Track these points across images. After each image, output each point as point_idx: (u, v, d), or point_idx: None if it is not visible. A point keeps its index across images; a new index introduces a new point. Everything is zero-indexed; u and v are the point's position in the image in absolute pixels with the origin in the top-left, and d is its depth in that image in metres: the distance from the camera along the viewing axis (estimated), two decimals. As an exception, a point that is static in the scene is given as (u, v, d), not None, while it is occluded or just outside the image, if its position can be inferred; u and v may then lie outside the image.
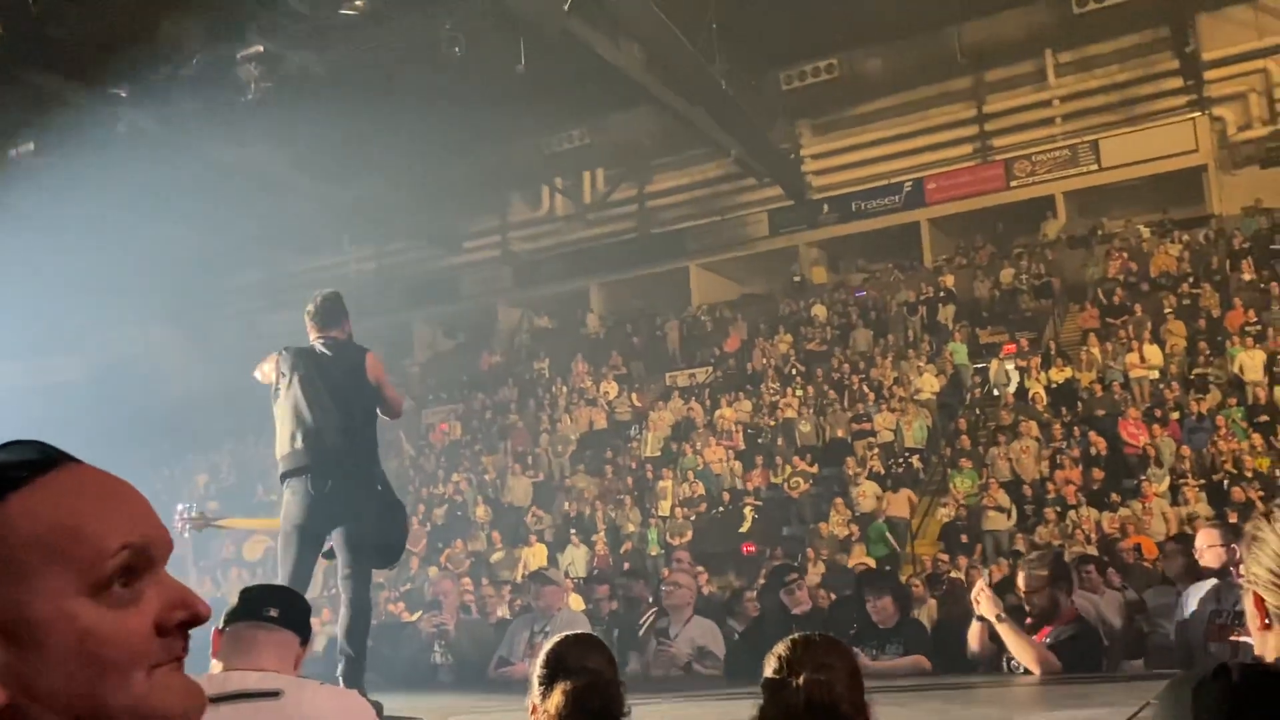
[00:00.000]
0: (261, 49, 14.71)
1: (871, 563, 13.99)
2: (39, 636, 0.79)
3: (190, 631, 0.88)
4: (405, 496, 19.83)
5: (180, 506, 5.41)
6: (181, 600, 0.86)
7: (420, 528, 17.86)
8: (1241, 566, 1.57)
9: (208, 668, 2.51)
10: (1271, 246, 18.58)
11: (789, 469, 16.92)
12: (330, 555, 5.13)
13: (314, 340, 5.24)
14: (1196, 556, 5.32)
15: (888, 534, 15.02)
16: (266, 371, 5.22)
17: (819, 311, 22.03)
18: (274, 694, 2.31)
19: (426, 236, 27.89)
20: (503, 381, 24.00)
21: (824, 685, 1.98)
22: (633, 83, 18.57)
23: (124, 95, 16.53)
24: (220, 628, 2.54)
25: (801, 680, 2.00)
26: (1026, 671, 4.71)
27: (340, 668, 4.83)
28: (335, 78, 18.11)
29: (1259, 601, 1.49)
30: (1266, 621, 1.49)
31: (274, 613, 2.50)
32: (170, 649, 0.85)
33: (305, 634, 2.58)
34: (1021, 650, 4.74)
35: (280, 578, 4.83)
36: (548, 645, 2.37)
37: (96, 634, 0.80)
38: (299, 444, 5.00)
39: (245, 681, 2.35)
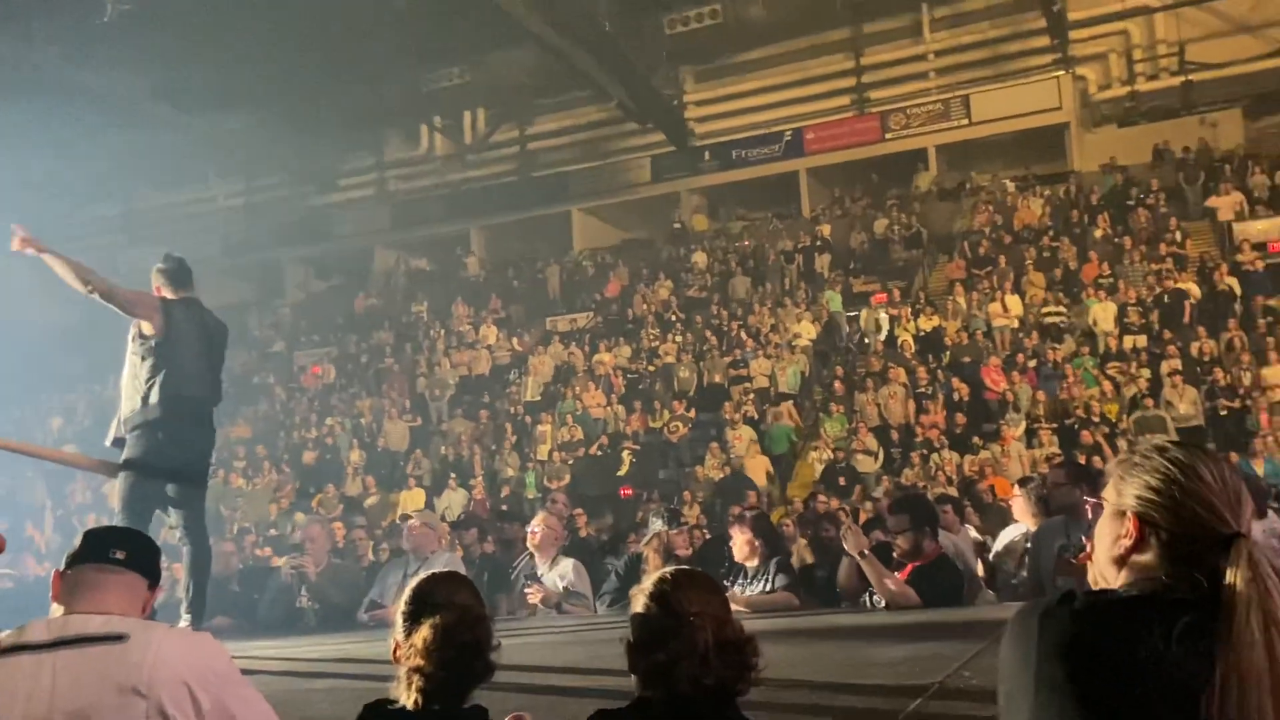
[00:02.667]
0: (118, -34, 13.84)
1: (769, 469, 15.11)
2: None
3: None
4: (275, 440, 19.41)
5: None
6: None
7: (284, 473, 17.47)
8: (1110, 493, 1.63)
9: (48, 612, 2.38)
10: (1125, 202, 19.50)
11: (667, 414, 17.10)
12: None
13: (172, 296, 5.40)
14: (1046, 495, 5.60)
15: (791, 435, 15.86)
16: (153, 325, 5.27)
17: (699, 258, 22.19)
18: (119, 638, 2.21)
19: (298, 173, 26.93)
20: (379, 324, 23.50)
21: (695, 616, 1.99)
22: (515, 21, 18.17)
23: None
24: (61, 570, 2.40)
25: (669, 612, 2.01)
26: (888, 606, 4.90)
27: (184, 605, 5.05)
28: (201, 1, 17.20)
29: (1138, 524, 1.56)
30: (1138, 541, 1.55)
31: (120, 554, 2.38)
32: None
33: (154, 577, 2.46)
34: (882, 585, 4.92)
35: (123, 521, 4.80)
36: (412, 583, 2.34)
37: None
38: (167, 395, 5.18)
39: (87, 625, 2.24)
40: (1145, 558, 1.56)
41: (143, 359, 5.24)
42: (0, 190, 22.45)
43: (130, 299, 5.24)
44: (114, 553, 2.38)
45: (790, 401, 16.73)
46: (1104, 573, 1.62)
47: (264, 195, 28.03)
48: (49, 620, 2.32)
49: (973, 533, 7.20)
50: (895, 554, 5.16)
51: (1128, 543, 1.58)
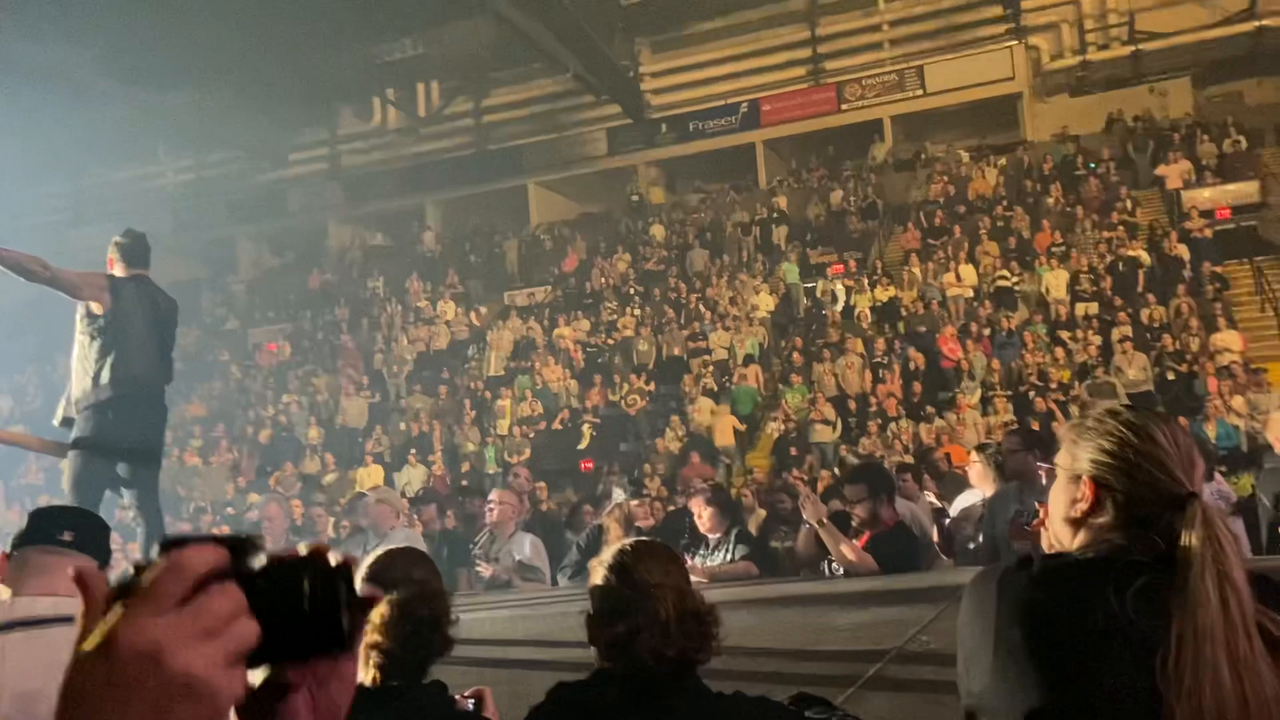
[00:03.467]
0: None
1: (737, 425, 15.48)
2: None
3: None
4: (233, 419, 19.16)
5: None
6: None
7: (241, 452, 17.29)
8: (1063, 457, 1.64)
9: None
10: (1076, 172, 19.72)
11: (627, 387, 17.10)
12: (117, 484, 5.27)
13: (123, 274, 5.34)
14: (1001, 462, 5.67)
15: (755, 397, 16.09)
16: (101, 304, 5.22)
17: (657, 231, 22.14)
18: (68, 619, 2.17)
19: (250, 148, 26.44)
20: (334, 301, 23.23)
21: (655, 587, 1.99)
22: (468, -10, 17.92)
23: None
24: (7, 552, 2.35)
25: (629, 583, 2.00)
26: (848, 574, 4.94)
27: None
28: (143, -29, 16.78)
29: (1094, 486, 1.57)
30: (1094, 504, 1.57)
31: (68, 536, 2.33)
32: None
33: (105, 557, 2.42)
34: (840, 553, 4.96)
35: (73, 502, 4.75)
36: (368, 559, 2.31)
37: None
38: (117, 374, 5.15)
39: (34, 607, 2.20)
40: (1101, 520, 1.57)
41: (91, 338, 5.17)
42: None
43: (76, 281, 5.17)
44: (62, 534, 2.34)
45: (756, 364, 16.85)
46: (1060, 536, 1.63)
47: (215, 171, 27.53)
48: (-4, 603, 2.27)
49: (932, 499, 7.28)
50: (854, 523, 5.20)
51: (1084, 506, 1.59)
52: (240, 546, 0.69)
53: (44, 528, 2.35)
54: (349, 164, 27.45)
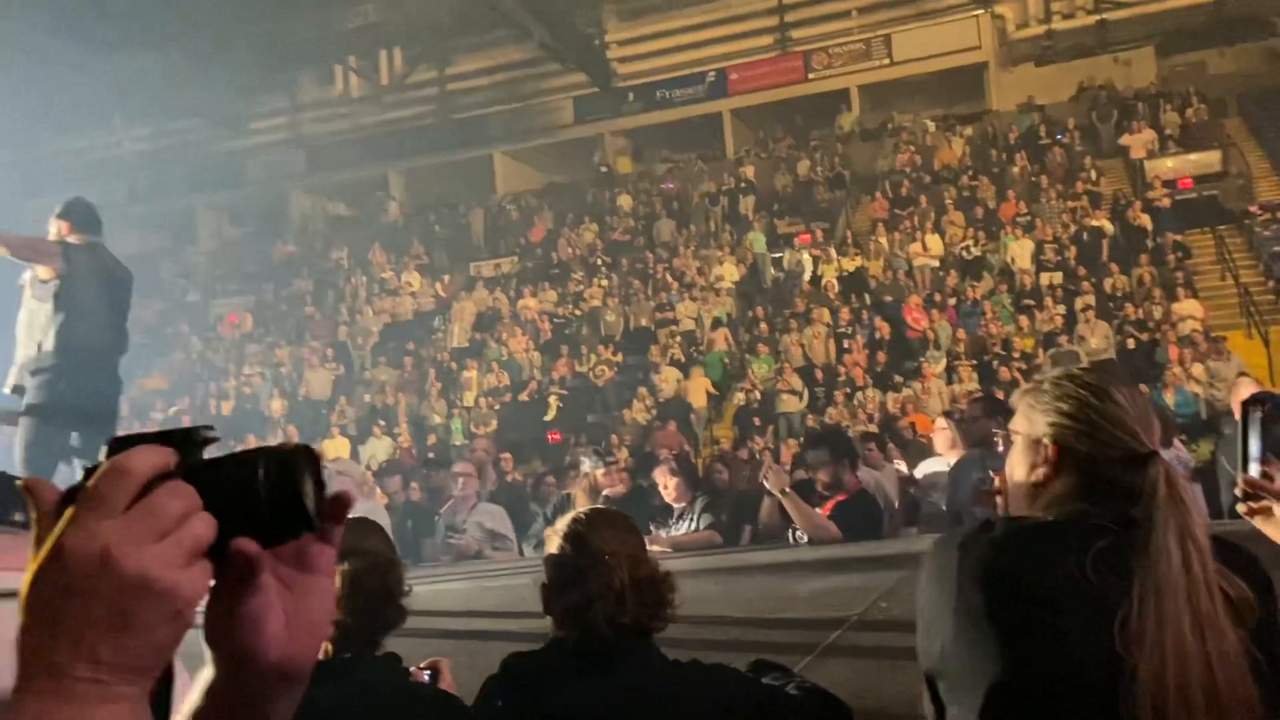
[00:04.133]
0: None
1: (710, 389, 15.73)
2: None
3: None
4: (193, 390, 18.91)
5: None
6: None
7: (199, 418, 17.07)
8: (1020, 423, 1.62)
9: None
10: (1040, 141, 19.80)
11: (594, 358, 17.05)
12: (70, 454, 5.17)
13: (76, 240, 5.23)
14: (964, 429, 5.69)
15: (725, 360, 16.33)
16: (52, 269, 5.12)
17: (624, 201, 22.02)
18: (15, 594, 2.10)
19: (208, 116, 25.96)
20: (297, 272, 22.95)
21: (610, 555, 1.96)
22: (429, -45, 17.63)
23: None
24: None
25: (584, 551, 1.97)
26: (810, 541, 4.95)
27: None
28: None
29: (1055, 449, 1.55)
30: (1055, 466, 1.55)
31: (20, 517, 2.26)
32: None
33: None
34: (803, 520, 4.97)
35: (24, 472, 4.64)
36: (320, 530, 2.26)
37: None
38: (65, 341, 5.05)
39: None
40: (1061, 482, 1.56)
41: (40, 302, 5.07)
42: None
43: (24, 243, 5.08)
44: (13, 514, 2.26)
45: (725, 328, 16.94)
46: (1020, 501, 1.61)
47: (173, 139, 27.00)
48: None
49: (900, 467, 7.31)
50: (818, 488, 5.21)
51: (1045, 469, 1.58)
52: (189, 441, 0.68)
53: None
54: (310, 132, 27.05)
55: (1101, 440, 1.53)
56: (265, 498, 0.67)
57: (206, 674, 0.72)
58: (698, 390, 15.62)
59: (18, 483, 0.68)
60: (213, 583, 0.67)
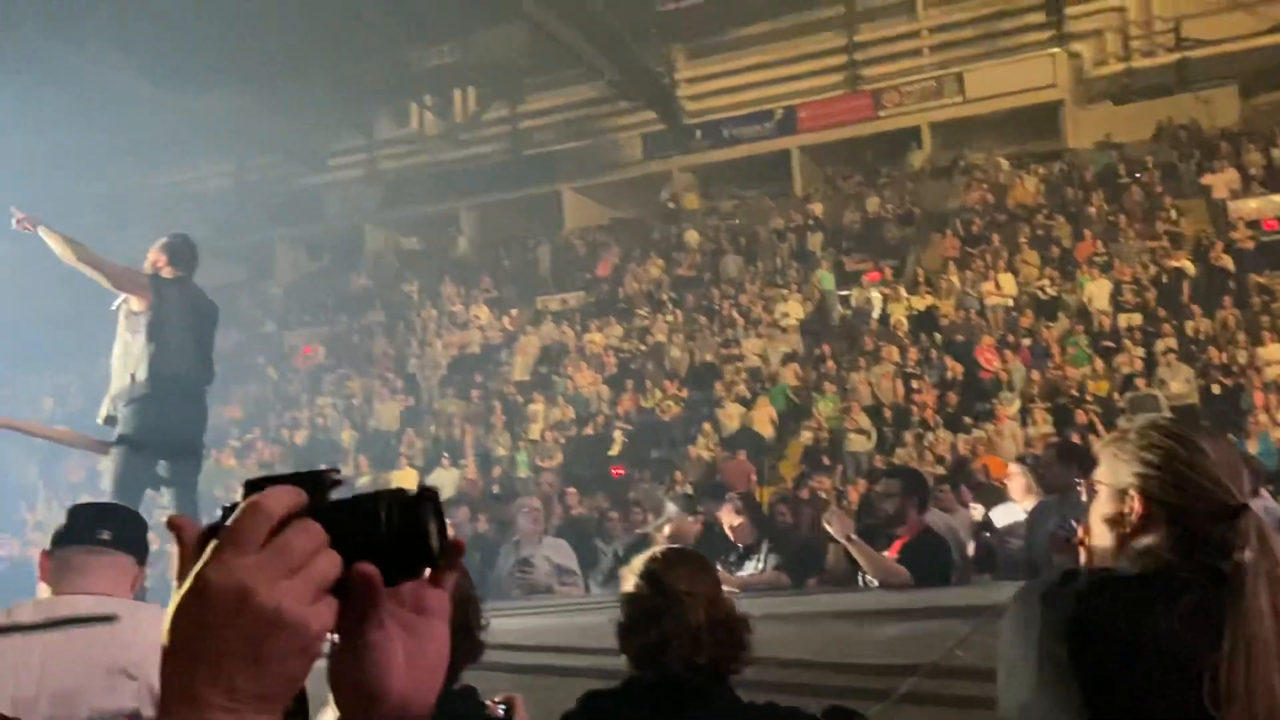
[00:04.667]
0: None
1: (774, 418, 15.79)
2: None
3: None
4: (267, 420, 19.32)
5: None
6: None
7: (273, 447, 17.44)
8: (1105, 472, 1.60)
9: (35, 593, 2.35)
10: (1119, 180, 19.46)
11: (659, 393, 17.07)
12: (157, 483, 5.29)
13: (169, 274, 5.40)
14: (1040, 475, 5.59)
15: (788, 393, 16.27)
16: (143, 301, 5.26)
17: (691, 237, 22.10)
18: (109, 619, 2.18)
19: (288, 152, 26.72)
20: (370, 304, 23.40)
21: (686, 595, 1.97)
22: (505, -3, 18.03)
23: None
24: (49, 550, 2.37)
25: (660, 591, 1.98)
26: (882, 586, 4.87)
27: None
28: (187, -22, 17.04)
29: (1142, 500, 1.54)
30: (1142, 518, 1.53)
31: (106, 535, 2.35)
32: None
33: (142, 555, 2.43)
34: (872, 567, 4.87)
35: (114, 499, 4.78)
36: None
37: None
38: (156, 371, 5.18)
39: (76, 606, 2.21)
40: (1148, 535, 1.54)
41: (133, 335, 5.23)
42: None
43: (119, 272, 5.25)
44: (100, 533, 2.36)
45: (794, 362, 16.97)
46: (1104, 552, 1.59)
47: (254, 175, 27.82)
48: (37, 601, 2.29)
49: (975, 513, 7.17)
50: (879, 518, 5.12)
51: (1133, 520, 1.56)
52: (318, 482, 0.72)
53: (83, 526, 2.37)
54: (386, 168, 27.67)
55: (1189, 493, 1.51)
56: (388, 535, 0.71)
57: (328, 717, 0.75)
58: (762, 420, 15.63)
59: (165, 519, 0.72)
60: (337, 619, 0.70)
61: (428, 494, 0.73)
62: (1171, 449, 1.54)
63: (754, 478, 13.77)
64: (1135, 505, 1.55)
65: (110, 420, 5.33)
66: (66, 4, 15.47)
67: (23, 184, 24.83)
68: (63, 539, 2.37)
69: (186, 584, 0.67)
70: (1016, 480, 5.98)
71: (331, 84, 23.85)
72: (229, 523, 0.68)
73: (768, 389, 16.44)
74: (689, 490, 12.38)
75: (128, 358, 5.23)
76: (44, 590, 2.34)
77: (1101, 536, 1.60)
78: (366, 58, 23.15)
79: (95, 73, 19.28)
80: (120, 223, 26.37)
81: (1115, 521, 1.58)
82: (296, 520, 0.69)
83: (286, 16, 19.44)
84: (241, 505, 0.69)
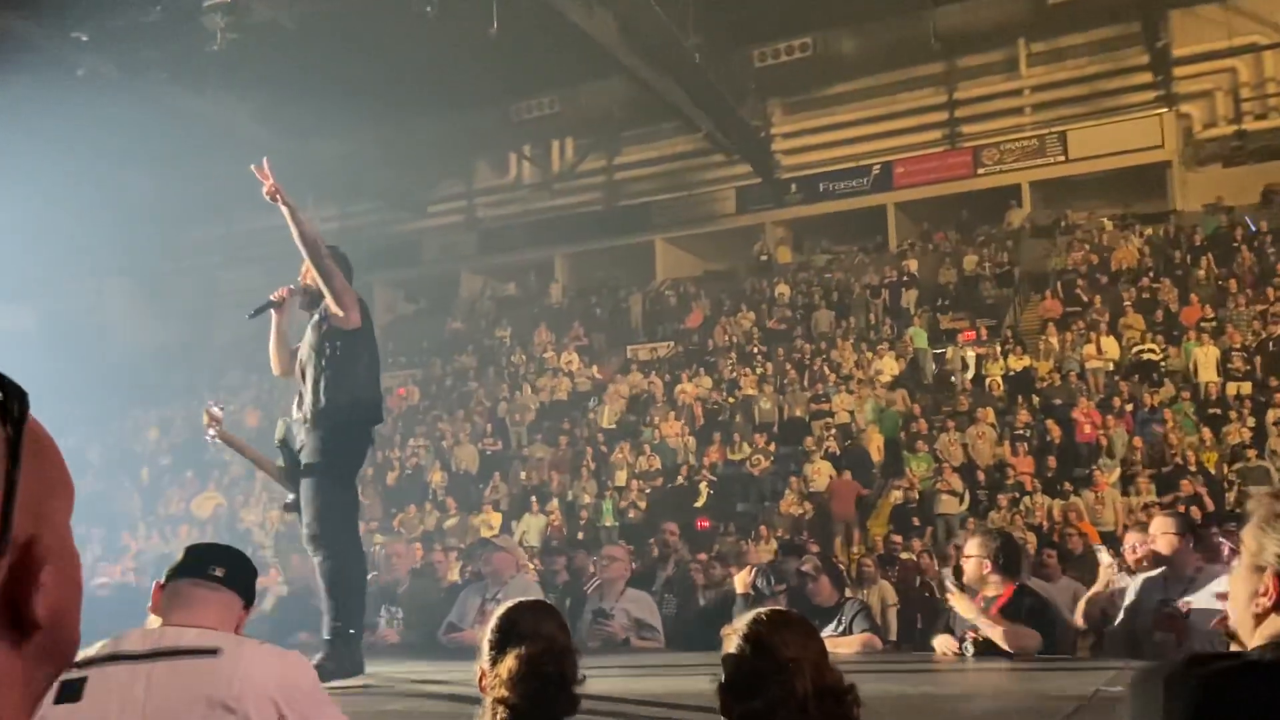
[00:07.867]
0: (229, -1, 14.42)
1: (880, 443, 16.26)
2: None
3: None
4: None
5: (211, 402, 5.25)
6: None
7: (368, 493, 17.70)
8: (1248, 544, 1.53)
9: (143, 621, 2.42)
10: (1231, 244, 18.82)
11: (746, 446, 16.94)
12: (292, 508, 5.01)
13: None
14: (1148, 545, 5.35)
15: (900, 421, 16.56)
16: (353, 321, 5.01)
17: (783, 290, 22.02)
18: (212, 651, 2.23)
19: (391, 198, 27.52)
20: (463, 348, 23.80)
21: (792, 661, 1.92)
22: (605, 52, 18.37)
23: (84, 39, 16.13)
24: (161, 582, 2.44)
25: (765, 655, 1.94)
26: (979, 652, 4.70)
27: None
28: (303, 31, 17.77)
29: (1278, 581, 1.46)
30: (1273, 601, 1.45)
31: (219, 572, 2.41)
32: None
33: (249, 597, 2.49)
34: (1010, 640, 4.62)
35: (320, 529, 4.71)
36: (500, 610, 2.30)
37: None
38: (348, 395, 4.88)
39: (181, 638, 2.26)
40: (1286, 618, 1.45)
41: (332, 353, 4.86)
42: (105, 212, 23.45)
43: (344, 285, 4.99)
44: (213, 569, 2.42)
45: (904, 390, 17.13)
46: (1242, 632, 1.51)
47: (357, 220, 28.66)
48: (145, 631, 2.36)
49: (1077, 586, 6.88)
50: (964, 578, 4.94)
51: (1266, 602, 1.47)
52: None
53: (197, 562, 2.44)
54: (484, 216, 28.26)
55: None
56: None
57: None
58: (872, 445, 15.91)
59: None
60: None
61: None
62: None
63: (862, 491, 14.90)
64: (1270, 585, 1.47)
65: (284, 444, 4.96)
66: (195, 57, 16.27)
67: (146, 224, 26.06)
68: (177, 572, 2.43)
69: None
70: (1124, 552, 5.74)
71: (435, 133, 24.55)
72: None
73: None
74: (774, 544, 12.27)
75: (327, 375, 4.81)
76: (153, 620, 2.40)
77: (1239, 614, 1.52)
78: (470, 109, 23.79)
79: (216, 119, 20.17)
80: (229, 264, 27.44)
81: (1250, 599, 1.50)
82: None
83: (395, 68, 20.14)
84: None
